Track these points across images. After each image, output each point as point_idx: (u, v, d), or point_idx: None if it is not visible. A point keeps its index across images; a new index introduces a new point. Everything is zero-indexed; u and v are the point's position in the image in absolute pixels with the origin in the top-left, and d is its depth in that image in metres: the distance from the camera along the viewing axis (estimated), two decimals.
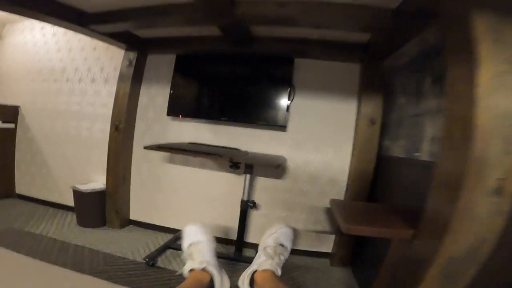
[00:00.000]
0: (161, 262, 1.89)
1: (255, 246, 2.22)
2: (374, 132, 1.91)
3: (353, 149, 2.04)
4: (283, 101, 2.03)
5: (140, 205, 2.51)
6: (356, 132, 2.01)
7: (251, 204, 1.96)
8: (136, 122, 2.46)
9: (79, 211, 2.41)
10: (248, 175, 1.93)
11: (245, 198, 1.95)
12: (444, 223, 0.84)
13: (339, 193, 2.11)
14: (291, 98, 2.09)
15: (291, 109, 2.13)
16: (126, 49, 2.34)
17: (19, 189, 2.92)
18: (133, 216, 2.53)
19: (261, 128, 2.21)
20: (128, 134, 2.39)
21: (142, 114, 2.46)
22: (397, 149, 1.66)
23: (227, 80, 2.19)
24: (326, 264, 2.11)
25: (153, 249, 2.03)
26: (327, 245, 2.18)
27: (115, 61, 2.47)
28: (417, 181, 1.32)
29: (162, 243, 2.18)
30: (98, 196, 2.38)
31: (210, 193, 2.33)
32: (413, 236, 1.01)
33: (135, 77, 2.33)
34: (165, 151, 1.79)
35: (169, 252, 2.04)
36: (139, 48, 2.32)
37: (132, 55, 2.32)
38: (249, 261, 1.95)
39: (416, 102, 1.46)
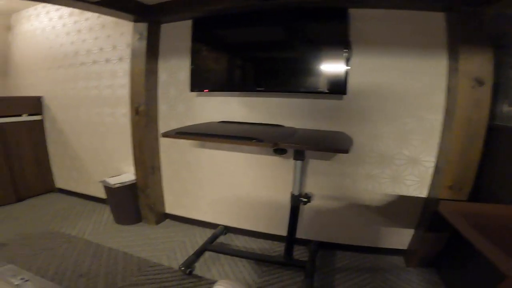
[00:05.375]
0: (199, 269, 1.62)
1: (304, 243, 1.85)
2: (483, 95, 1.31)
3: (447, 118, 1.45)
4: (338, 62, 1.50)
5: (175, 197, 2.23)
6: (451, 96, 1.41)
7: (305, 199, 1.52)
8: (158, 102, 2.09)
9: (113, 207, 2.22)
10: (299, 162, 1.47)
11: (296, 192, 1.50)
12: None
13: (423, 177, 1.57)
14: (348, 57, 1.53)
15: (348, 71, 1.56)
16: (135, 21, 1.95)
17: (58, 183, 2.86)
18: (169, 209, 2.28)
19: (310, 97, 1.69)
20: (150, 117, 2.04)
21: (163, 93, 2.07)
22: None
23: (262, 43, 1.70)
24: (400, 264, 1.66)
25: (190, 250, 1.79)
26: (397, 240, 1.72)
27: (127, 37, 2.12)
28: None
29: (200, 241, 1.93)
30: (129, 189, 2.14)
31: (252, 180, 1.93)
32: None
33: (149, 51, 1.95)
34: (188, 138, 1.36)
35: (207, 255, 1.76)
36: (149, 17, 1.89)
37: (142, 27, 1.92)
38: (299, 265, 1.59)
39: None
